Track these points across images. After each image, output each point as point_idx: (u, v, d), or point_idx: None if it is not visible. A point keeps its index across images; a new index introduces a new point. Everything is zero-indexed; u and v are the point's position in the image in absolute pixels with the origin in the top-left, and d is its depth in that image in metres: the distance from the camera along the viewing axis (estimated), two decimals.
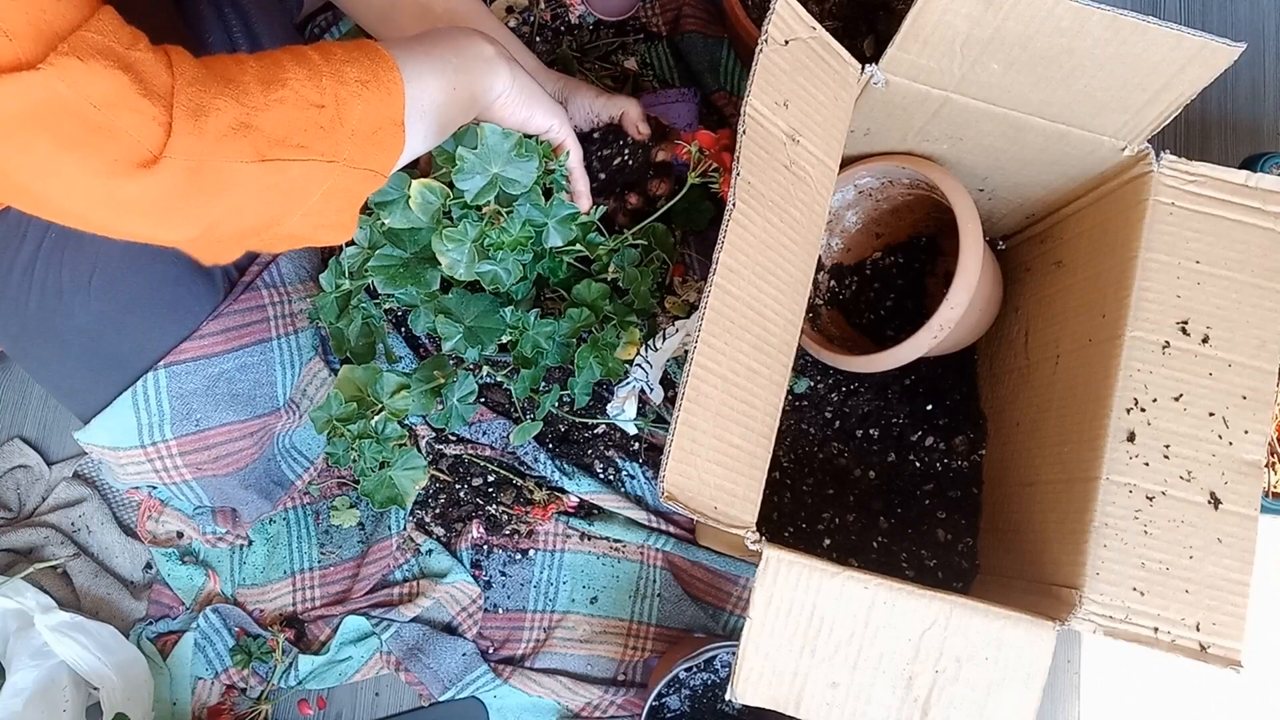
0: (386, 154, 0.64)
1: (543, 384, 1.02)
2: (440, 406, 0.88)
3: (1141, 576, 0.68)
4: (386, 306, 0.94)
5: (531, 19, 1.12)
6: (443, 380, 0.87)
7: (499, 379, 1.01)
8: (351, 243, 0.84)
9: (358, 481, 1.05)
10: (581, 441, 1.05)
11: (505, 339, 0.87)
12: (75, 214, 0.54)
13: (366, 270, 0.83)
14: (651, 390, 0.91)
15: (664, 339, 0.88)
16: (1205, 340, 0.72)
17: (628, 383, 0.89)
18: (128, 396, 0.81)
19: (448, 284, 0.85)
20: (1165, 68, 0.69)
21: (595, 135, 0.99)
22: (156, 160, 0.51)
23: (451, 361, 0.95)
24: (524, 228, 0.79)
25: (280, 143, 0.56)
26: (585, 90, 0.94)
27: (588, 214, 0.86)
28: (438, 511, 1.05)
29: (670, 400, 0.99)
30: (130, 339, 0.80)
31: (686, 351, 0.64)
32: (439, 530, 1.05)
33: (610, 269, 0.91)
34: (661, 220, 0.95)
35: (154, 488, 1.01)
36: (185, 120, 0.51)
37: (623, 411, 0.91)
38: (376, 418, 0.83)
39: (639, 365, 0.89)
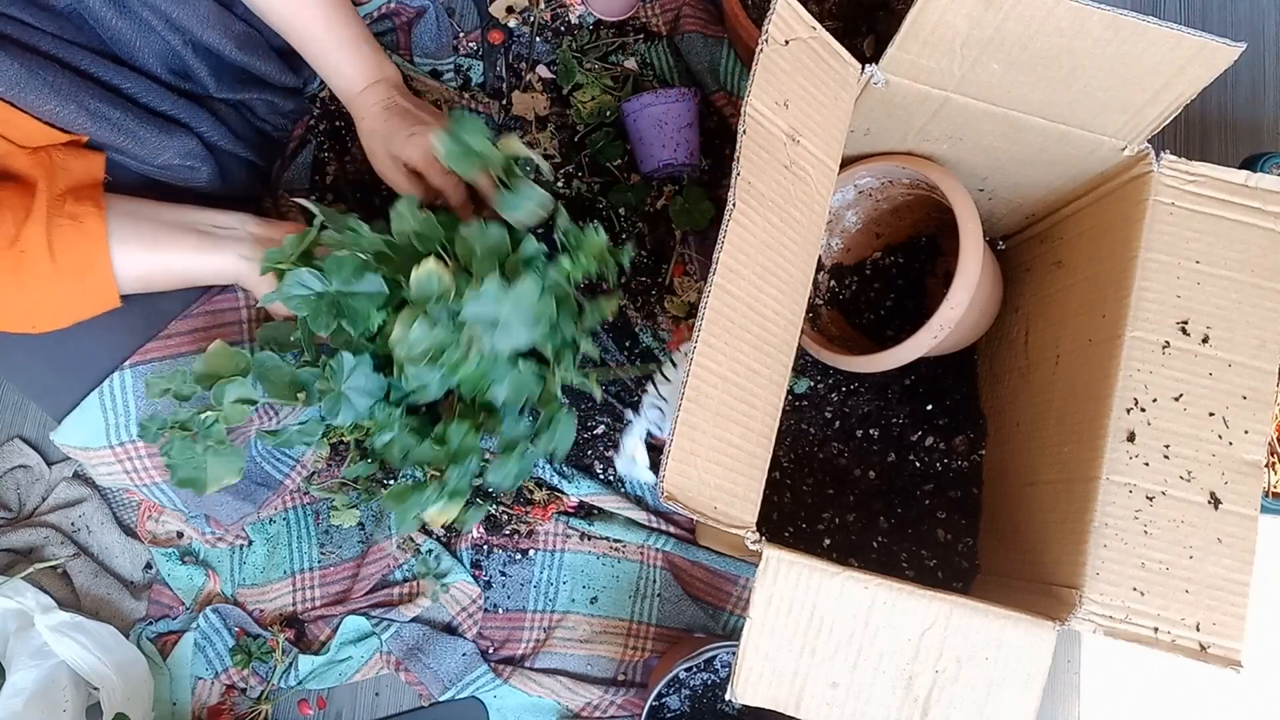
0: None
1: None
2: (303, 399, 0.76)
3: (1141, 576, 0.68)
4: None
5: (531, 19, 1.12)
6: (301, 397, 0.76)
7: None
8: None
9: (358, 481, 1.06)
10: (581, 442, 1.05)
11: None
12: None
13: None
14: (662, 430, 0.86)
15: (674, 366, 0.85)
16: (1205, 340, 0.72)
17: (631, 430, 0.85)
18: (95, 396, 0.81)
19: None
20: (1165, 68, 0.69)
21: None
22: None
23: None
24: (481, 364, 0.75)
25: None
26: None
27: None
28: None
29: None
30: (98, 339, 0.80)
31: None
32: (439, 530, 1.05)
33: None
34: (654, 220, 0.92)
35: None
36: None
37: (634, 463, 0.86)
38: (207, 414, 0.75)
39: (652, 406, 0.84)
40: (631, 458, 0.86)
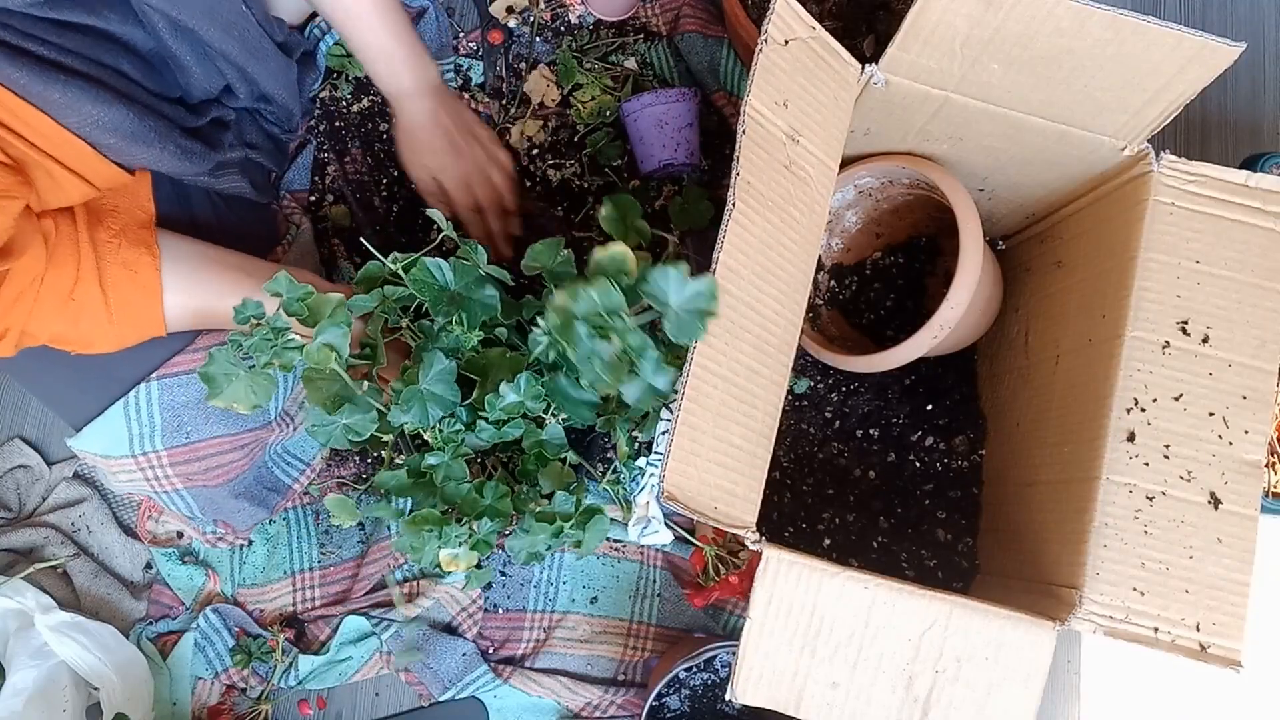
0: None
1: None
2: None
3: (1141, 576, 0.68)
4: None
5: (531, 19, 1.12)
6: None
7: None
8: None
9: (357, 481, 1.06)
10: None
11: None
12: None
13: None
14: None
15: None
16: (1205, 340, 0.72)
17: (644, 481, 0.80)
18: (120, 406, 0.81)
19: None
20: (1165, 68, 0.69)
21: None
22: None
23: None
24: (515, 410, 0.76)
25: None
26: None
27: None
28: None
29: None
30: (125, 351, 0.80)
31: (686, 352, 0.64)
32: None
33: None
34: (654, 220, 0.93)
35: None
36: None
37: (648, 524, 0.80)
38: (294, 336, 0.73)
39: (665, 432, 0.79)
40: (645, 517, 0.81)
